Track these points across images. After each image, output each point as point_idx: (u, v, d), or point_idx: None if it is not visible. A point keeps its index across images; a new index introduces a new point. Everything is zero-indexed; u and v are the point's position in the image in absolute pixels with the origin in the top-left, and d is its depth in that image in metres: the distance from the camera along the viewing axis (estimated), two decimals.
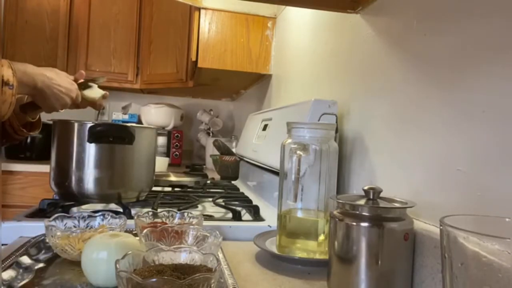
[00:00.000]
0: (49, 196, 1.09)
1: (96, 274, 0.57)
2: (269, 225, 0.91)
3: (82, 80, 0.99)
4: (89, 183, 0.97)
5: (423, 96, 0.64)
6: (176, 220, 0.78)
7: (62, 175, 0.99)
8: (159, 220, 0.77)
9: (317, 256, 0.71)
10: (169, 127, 2.68)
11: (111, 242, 0.59)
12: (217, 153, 1.88)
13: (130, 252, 0.52)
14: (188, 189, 1.38)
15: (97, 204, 1.03)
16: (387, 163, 0.74)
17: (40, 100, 0.89)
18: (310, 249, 0.72)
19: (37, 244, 0.71)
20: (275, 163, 1.02)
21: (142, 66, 2.61)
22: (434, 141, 0.61)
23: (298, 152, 0.72)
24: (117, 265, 0.48)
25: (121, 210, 0.95)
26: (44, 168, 2.17)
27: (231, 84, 2.27)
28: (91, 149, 0.97)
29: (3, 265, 0.59)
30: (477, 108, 0.52)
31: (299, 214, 0.75)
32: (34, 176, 2.20)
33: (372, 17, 0.86)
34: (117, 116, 2.67)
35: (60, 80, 0.89)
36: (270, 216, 0.99)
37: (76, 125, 0.98)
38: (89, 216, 0.75)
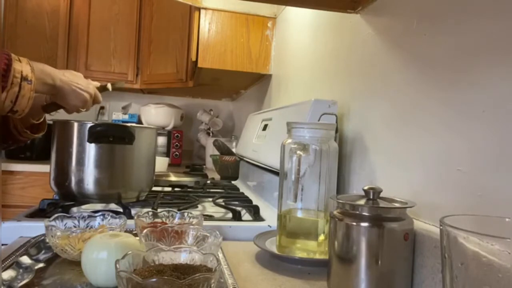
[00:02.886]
0: (49, 196, 1.09)
1: (96, 274, 0.57)
2: (269, 225, 0.91)
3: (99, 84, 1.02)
4: (89, 183, 0.97)
5: (423, 96, 0.64)
6: (176, 220, 0.78)
7: (62, 175, 0.99)
8: (159, 220, 0.77)
9: (317, 256, 0.71)
10: (169, 127, 2.68)
11: (111, 242, 0.59)
12: (217, 153, 1.88)
13: (130, 252, 0.52)
14: (188, 189, 1.38)
15: (97, 204, 1.03)
16: (387, 163, 0.74)
17: (60, 98, 0.91)
18: (310, 249, 0.72)
19: (37, 244, 0.71)
20: (275, 163, 1.02)
21: (142, 66, 2.61)
22: (434, 141, 0.61)
23: (298, 152, 0.72)
24: (117, 265, 0.48)
25: (121, 210, 0.95)
26: (44, 168, 2.17)
27: (231, 84, 2.27)
28: (91, 149, 0.97)
29: (3, 265, 0.59)
30: (477, 108, 0.52)
31: (299, 214, 0.75)
32: (34, 176, 2.20)
33: (372, 17, 0.86)
34: (117, 116, 2.67)
35: (76, 78, 0.92)
36: (270, 216, 0.99)
37: (76, 125, 0.98)
38: (89, 216, 0.75)
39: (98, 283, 0.57)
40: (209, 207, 1.13)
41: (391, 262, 0.56)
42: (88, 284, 0.58)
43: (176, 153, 2.60)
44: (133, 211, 0.96)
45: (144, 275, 0.48)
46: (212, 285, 0.48)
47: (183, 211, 0.81)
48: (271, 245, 0.77)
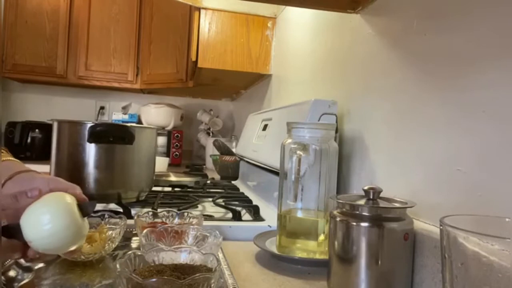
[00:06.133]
0: None
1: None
2: (269, 225, 0.91)
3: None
4: (89, 183, 0.97)
5: (423, 96, 0.64)
6: (176, 220, 0.78)
7: (62, 175, 0.99)
8: (159, 220, 0.77)
9: (317, 256, 0.71)
10: (169, 127, 2.68)
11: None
12: (217, 153, 1.88)
13: (130, 252, 0.52)
14: (188, 189, 1.38)
15: (97, 204, 1.02)
16: (387, 163, 0.74)
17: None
18: (310, 249, 0.72)
19: None
20: (275, 163, 1.02)
21: (142, 66, 2.61)
22: (434, 141, 0.61)
23: (298, 152, 0.72)
24: (117, 265, 0.48)
25: (121, 210, 0.95)
26: (44, 168, 2.15)
27: (231, 84, 2.27)
28: (91, 149, 0.97)
29: (3, 265, 0.59)
30: (477, 108, 0.52)
31: (299, 214, 0.75)
32: None
33: (372, 17, 0.86)
34: (117, 116, 2.67)
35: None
36: (270, 216, 0.99)
37: (76, 125, 0.98)
38: (89, 216, 0.75)
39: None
40: (209, 207, 1.13)
41: (391, 262, 0.56)
42: (88, 284, 0.58)
43: (176, 153, 2.60)
44: (133, 211, 0.96)
45: (144, 275, 0.48)
46: (212, 285, 0.48)
47: (183, 211, 0.81)
48: (271, 245, 0.77)
